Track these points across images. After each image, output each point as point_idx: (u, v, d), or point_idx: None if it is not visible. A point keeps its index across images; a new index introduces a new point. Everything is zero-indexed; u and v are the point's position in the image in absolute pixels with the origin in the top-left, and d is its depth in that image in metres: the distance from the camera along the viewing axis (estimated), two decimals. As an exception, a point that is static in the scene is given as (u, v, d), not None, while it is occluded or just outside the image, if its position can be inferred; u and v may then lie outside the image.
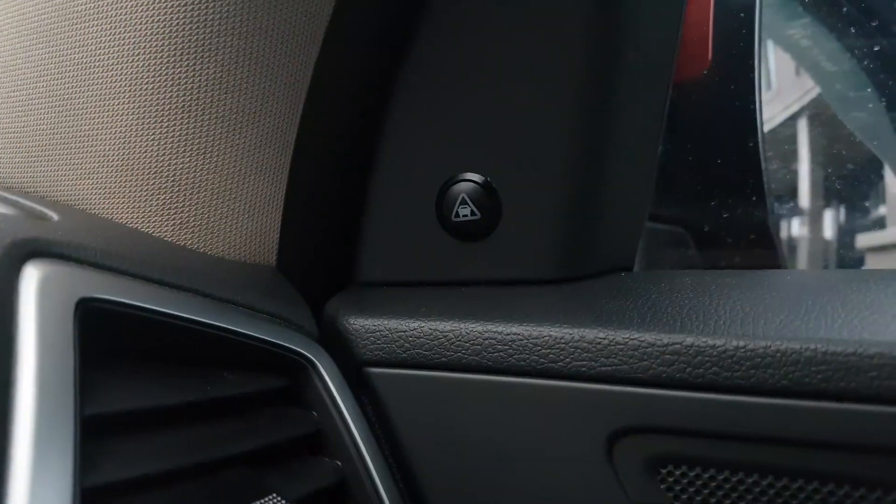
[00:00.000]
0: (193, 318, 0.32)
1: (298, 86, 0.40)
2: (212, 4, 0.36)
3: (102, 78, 0.38)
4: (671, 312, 0.36)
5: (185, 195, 0.39)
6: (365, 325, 0.41)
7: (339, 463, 0.37)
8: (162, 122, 0.38)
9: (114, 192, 0.39)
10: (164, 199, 0.39)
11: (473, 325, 0.38)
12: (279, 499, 0.32)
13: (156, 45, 0.37)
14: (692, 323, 0.34)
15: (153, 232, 0.39)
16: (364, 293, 0.45)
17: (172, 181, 0.39)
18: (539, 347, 0.36)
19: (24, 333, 0.25)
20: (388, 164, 0.44)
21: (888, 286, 0.36)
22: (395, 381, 0.40)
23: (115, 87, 0.38)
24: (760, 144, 0.69)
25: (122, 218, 0.39)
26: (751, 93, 0.69)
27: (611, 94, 0.41)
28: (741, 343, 0.32)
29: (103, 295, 0.29)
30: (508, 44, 0.40)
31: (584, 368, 0.35)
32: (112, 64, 0.38)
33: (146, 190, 0.39)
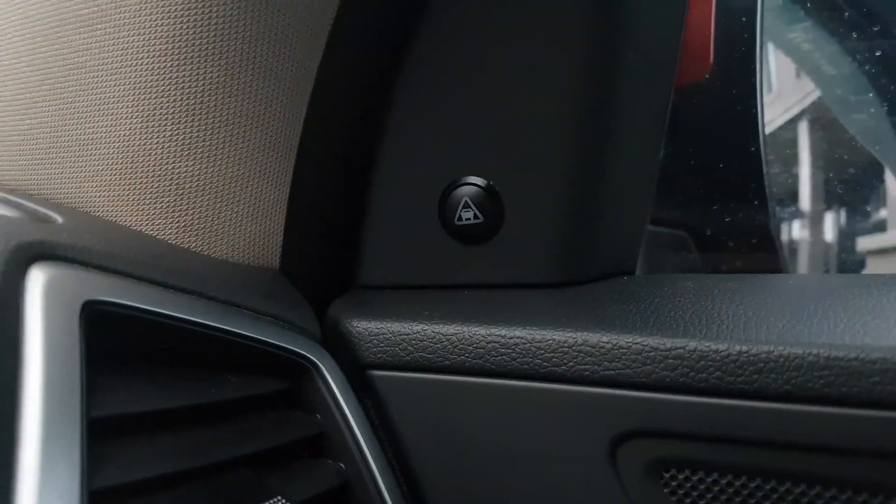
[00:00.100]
0: (197, 320, 0.32)
1: (301, 90, 0.40)
2: (216, 9, 0.37)
3: (106, 81, 0.38)
4: (674, 317, 0.36)
5: (188, 198, 0.39)
6: (368, 328, 0.41)
7: (343, 465, 0.37)
8: (166, 125, 0.38)
9: (118, 195, 0.39)
10: (167, 201, 0.39)
11: (476, 329, 0.38)
12: (283, 501, 0.32)
13: (160, 49, 0.37)
14: (695, 327, 0.34)
15: (157, 234, 0.39)
16: (367, 296, 0.45)
17: (176, 184, 0.39)
18: (542, 351, 0.36)
19: (30, 336, 0.25)
20: (391, 168, 0.44)
21: (890, 291, 0.36)
22: (398, 384, 0.40)
23: (119, 90, 0.38)
24: (762, 148, 0.69)
25: (126, 220, 0.39)
26: (752, 96, 0.69)
27: (612, 97, 0.41)
28: (744, 348, 0.32)
29: (108, 298, 0.29)
30: (510, 47, 0.41)
31: (587, 372, 0.35)
32: (116, 68, 0.38)
33: (150, 193, 0.39)
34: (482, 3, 0.41)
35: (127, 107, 0.38)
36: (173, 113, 0.38)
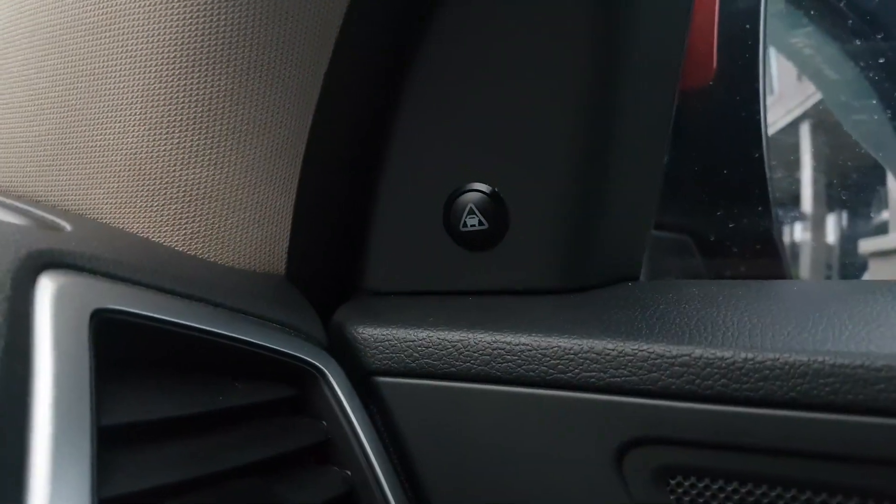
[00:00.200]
0: (205, 327, 0.32)
1: (308, 96, 0.40)
2: (224, 16, 0.37)
3: (115, 89, 0.39)
4: (679, 323, 0.36)
5: (196, 205, 0.39)
6: (373, 335, 0.41)
7: (349, 472, 0.37)
8: (173, 132, 0.38)
9: (125, 202, 0.39)
10: (175, 209, 0.39)
11: (482, 335, 0.38)
12: (289, 509, 0.32)
13: (168, 57, 0.37)
14: (700, 334, 0.34)
15: (164, 242, 0.39)
16: (372, 302, 0.45)
17: (184, 192, 0.39)
18: (548, 358, 0.36)
19: (40, 344, 0.25)
20: (396, 175, 0.45)
21: (895, 298, 0.36)
22: (403, 390, 0.40)
23: (127, 97, 0.38)
24: (765, 153, 0.69)
25: (133, 228, 0.40)
26: (755, 101, 0.69)
27: (617, 103, 0.41)
28: (749, 355, 0.32)
29: (117, 306, 0.29)
30: (514, 56, 0.41)
31: (593, 379, 0.35)
32: (124, 75, 0.38)
33: (158, 200, 0.39)
34: (487, 12, 0.41)
35: (135, 114, 0.38)
36: (181, 120, 0.38)
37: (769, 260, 0.72)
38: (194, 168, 0.39)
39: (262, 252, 0.41)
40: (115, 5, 0.38)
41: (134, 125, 0.39)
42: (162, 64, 0.37)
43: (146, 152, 0.39)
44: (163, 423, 0.29)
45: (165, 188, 0.39)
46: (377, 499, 0.37)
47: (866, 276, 1.23)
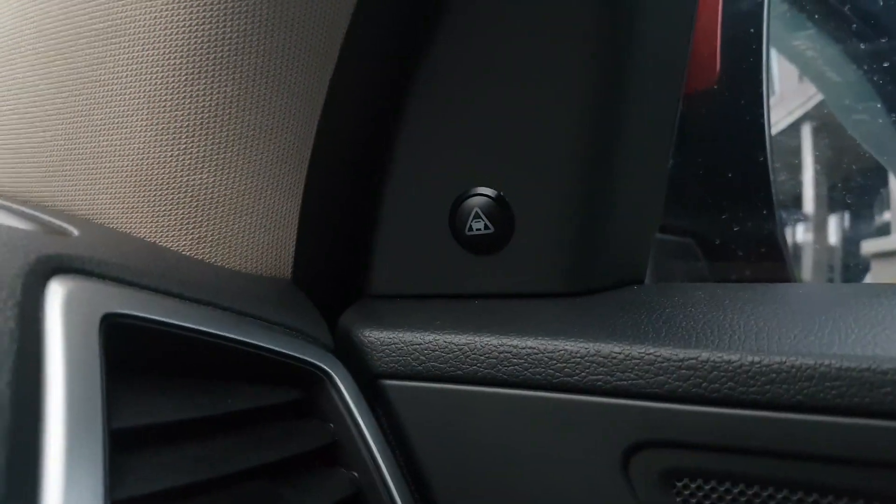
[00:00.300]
0: (212, 331, 0.33)
1: (314, 102, 0.40)
2: (231, 23, 0.37)
3: (121, 95, 0.39)
4: (686, 327, 0.36)
5: (203, 210, 0.39)
6: (380, 338, 0.41)
7: (356, 474, 0.37)
8: (180, 138, 0.38)
9: (132, 207, 0.40)
10: (181, 214, 0.39)
11: (488, 339, 0.38)
12: (297, 511, 0.32)
13: (175, 63, 0.37)
14: (707, 338, 0.34)
15: (171, 246, 0.40)
16: (378, 305, 0.45)
17: (191, 196, 0.39)
18: (555, 361, 0.36)
19: (51, 349, 0.25)
20: (402, 179, 0.45)
21: None
22: (409, 393, 0.40)
23: (133, 103, 0.39)
24: (769, 155, 0.69)
25: (140, 232, 0.40)
26: (759, 104, 0.69)
27: (622, 107, 0.41)
28: (756, 358, 0.32)
29: (126, 310, 0.29)
30: (519, 60, 0.41)
31: (599, 383, 0.35)
32: (131, 81, 0.38)
33: (164, 205, 0.39)
34: (492, 15, 0.41)
35: (141, 120, 0.39)
36: (187, 126, 0.38)
37: (772, 262, 0.72)
38: (201, 173, 0.39)
39: (268, 256, 0.42)
40: (122, 13, 0.38)
41: (140, 131, 0.39)
42: (168, 70, 0.38)
43: (153, 158, 0.39)
44: (172, 426, 0.29)
45: (172, 193, 0.39)
46: (384, 501, 0.37)
47: (868, 278, 1.23)
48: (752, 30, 0.69)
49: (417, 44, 0.43)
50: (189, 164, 0.39)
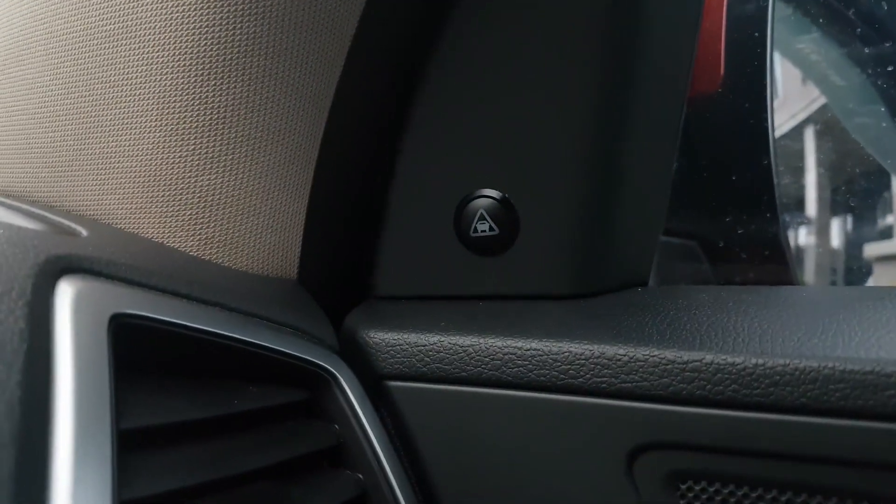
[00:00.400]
0: (219, 331, 0.33)
1: (321, 104, 0.40)
2: (240, 25, 0.37)
3: (130, 96, 0.39)
4: (690, 329, 0.36)
5: (210, 211, 0.40)
6: (385, 339, 0.41)
7: (361, 476, 0.37)
8: (189, 140, 0.39)
9: (140, 208, 0.40)
10: (189, 214, 0.39)
11: (493, 340, 0.39)
12: (303, 512, 0.32)
13: (184, 65, 0.38)
14: (711, 340, 0.35)
15: (179, 247, 0.40)
16: (383, 307, 0.45)
17: (198, 197, 0.39)
18: (559, 363, 0.37)
19: (60, 348, 0.25)
20: (408, 180, 0.45)
21: None
22: (414, 394, 0.40)
23: (142, 105, 0.39)
24: (772, 158, 0.69)
25: (148, 233, 0.40)
26: (762, 107, 0.69)
27: (627, 108, 0.42)
28: (760, 361, 0.32)
29: (134, 310, 0.29)
30: (524, 61, 0.41)
31: (604, 384, 0.35)
32: (140, 82, 0.39)
33: (173, 206, 0.39)
34: (497, 19, 0.41)
35: (150, 121, 0.39)
36: (196, 127, 0.38)
37: (775, 265, 0.73)
38: (209, 174, 0.39)
39: (275, 257, 0.42)
40: (132, 15, 0.38)
41: (149, 132, 0.39)
42: (178, 72, 0.38)
43: (161, 158, 0.39)
44: (179, 427, 0.29)
45: (180, 194, 0.39)
46: (389, 502, 0.37)
47: (871, 281, 1.23)
48: (755, 33, 0.70)
49: (424, 46, 0.43)
50: (197, 166, 0.39)
